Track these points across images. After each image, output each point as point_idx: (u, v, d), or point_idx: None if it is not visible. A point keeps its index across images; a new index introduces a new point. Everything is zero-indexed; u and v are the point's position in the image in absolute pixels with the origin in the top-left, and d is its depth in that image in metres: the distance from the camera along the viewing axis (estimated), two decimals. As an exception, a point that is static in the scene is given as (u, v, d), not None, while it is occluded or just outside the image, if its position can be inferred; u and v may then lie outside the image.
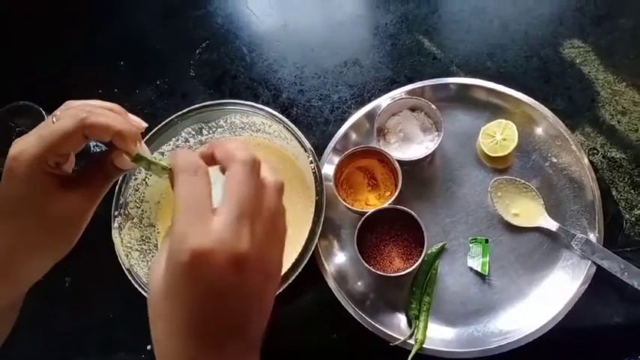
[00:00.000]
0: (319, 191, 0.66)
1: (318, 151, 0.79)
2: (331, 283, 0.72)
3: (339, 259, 0.75)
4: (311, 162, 0.67)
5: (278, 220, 0.39)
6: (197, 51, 0.90)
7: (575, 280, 0.68)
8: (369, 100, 0.81)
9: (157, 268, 0.37)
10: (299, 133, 0.68)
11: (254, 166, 0.37)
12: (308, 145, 0.68)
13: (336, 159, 0.75)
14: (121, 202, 0.69)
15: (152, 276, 0.37)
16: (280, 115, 0.69)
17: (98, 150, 0.80)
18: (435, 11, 0.86)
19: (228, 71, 0.88)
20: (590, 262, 0.68)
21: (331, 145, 0.79)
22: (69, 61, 0.93)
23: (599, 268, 0.68)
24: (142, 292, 0.65)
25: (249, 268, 0.35)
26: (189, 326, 0.35)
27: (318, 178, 0.66)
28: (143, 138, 0.71)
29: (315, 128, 0.83)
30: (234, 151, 0.37)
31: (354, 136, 0.80)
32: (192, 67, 0.89)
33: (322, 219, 0.65)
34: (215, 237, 0.34)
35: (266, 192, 0.38)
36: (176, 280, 0.34)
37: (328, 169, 0.76)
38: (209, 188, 0.36)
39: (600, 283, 0.68)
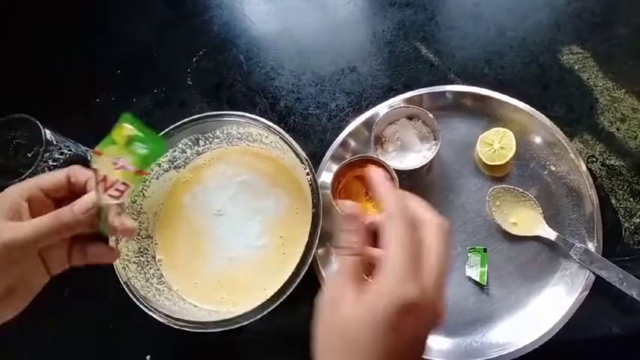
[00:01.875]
0: (315, 203, 0.65)
1: (316, 159, 0.79)
2: (329, 293, 0.72)
3: (336, 267, 0.75)
4: (307, 174, 0.67)
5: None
6: (194, 59, 0.90)
7: (574, 290, 0.67)
8: (367, 108, 0.81)
9: (348, 300, 0.39)
10: (295, 144, 0.68)
11: (447, 227, 0.43)
12: (304, 156, 0.68)
13: (335, 167, 0.75)
14: (117, 214, 0.69)
15: (342, 305, 0.40)
16: (276, 127, 0.69)
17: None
18: (432, 18, 0.86)
19: (225, 79, 0.88)
20: (588, 271, 0.67)
21: (329, 153, 0.79)
22: (66, 70, 0.93)
23: (598, 278, 0.67)
24: (139, 305, 0.65)
25: (433, 318, 0.40)
26: None
27: (315, 190, 0.66)
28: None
29: (313, 136, 0.82)
30: (425, 212, 0.43)
31: (352, 144, 0.80)
32: (189, 75, 0.89)
33: (319, 231, 0.65)
34: (424, 293, 0.38)
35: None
36: (385, 322, 0.37)
37: (326, 177, 0.76)
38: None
39: (599, 293, 0.67)
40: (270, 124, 0.69)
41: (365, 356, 0.38)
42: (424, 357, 0.42)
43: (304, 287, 0.64)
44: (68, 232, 0.48)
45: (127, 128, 0.44)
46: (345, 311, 0.39)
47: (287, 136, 0.68)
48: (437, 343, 0.70)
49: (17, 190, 0.49)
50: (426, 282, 0.39)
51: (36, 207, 0.50)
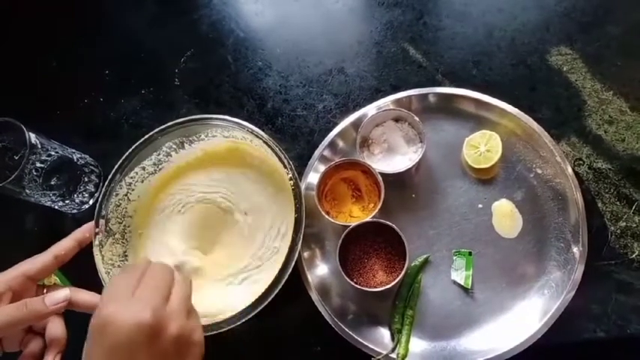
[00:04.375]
0: (298, 208, 0.65)
1: (303, 160, 0.79)
2: (314, 296, 0.72)
3: (321, 270, 0.75)
4: (290, 179, 0.66)
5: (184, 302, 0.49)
6: (182, 59, 0.89)
7: (558, 294, 0.67)
8: (354, 110, 0.81)
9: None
10: (278, 149, 0.67)
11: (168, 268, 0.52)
12: (287, 160, 0.67)
13: (322, 168, 0.74)
14: (101, 219, 0.69)
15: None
16: (260, 131, 0.69)
17: (82, 162, 0.80)
18: (420, 18, 0.85)
19: (213, 80, 0.87)
20: (573, 275, 0.67)
21: (316, 154, 0.78)
22: (54, 71, 0.93)
23: (582, 282, 0.67)
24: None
25: (153, 333, 0.44)
26: None
27: (298, 195, 0.66)
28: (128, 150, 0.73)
29: (300, 138, 0.82)
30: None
31: (340, 144, 0.80)
32: (177, 75, 0.89)
33: (301, 235, 0.65)
34: (121, 305, 0.44)
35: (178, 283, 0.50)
36: (89, 342, 0.45)
37: (313, 178, 0.76)
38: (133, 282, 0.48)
39: (583, 296, 0.67)
40: (254, 128, 0.69)
41: None
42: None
43: (289, 291, 0.64)
44: (36, 321, 0.58)
45: (54, 276, 0.70)
46: None
47: (271, 141, 0.68)
48: (421, 346, 0.70)
49: (4, 279, 0.58)
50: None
51: (18, 291, 0.59)
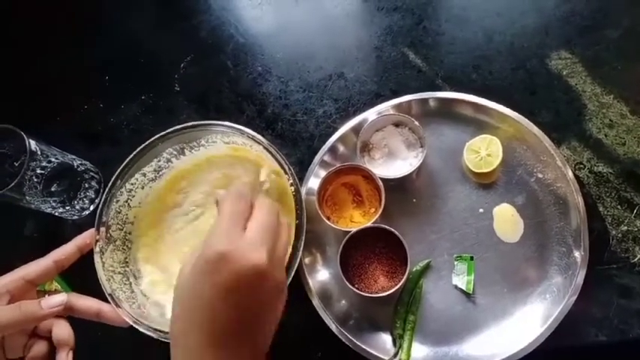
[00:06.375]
0: (299, 214, 0.65)
1: (304, 165, 0.79)
2: (315, 301, 0.72)
3: (322, 275, 0.75)
4: (291, 184, 0.66)
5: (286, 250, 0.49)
6: (181, 65, 0.89)
7: (560, 299, 0.67)
8: (354, 115, 0.81)
9: (186, 268, 0.45)
10: (278, 156, 0.67)
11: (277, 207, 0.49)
12: (288, 166, 0.67)
13: (322, 173, 0.74)
14: (102, 225, 0.69)
15: (180, 275, 0.46)
16: (260, 137, 0.69)
17: (83, 168, 0.80)
18: (419, 23, 0.85)
19: (213, 86, 0.87)
20: (574, 280, 0.67)
21: (317, 159, 0.78)
22: (53, 77, 0.93)
23: (584, 287, 0.67)
24: (125, 318, 0.65)
25: (264, 277, 0.43)
26: (202, 323, 0.44)
27: (298, 201, 0.66)
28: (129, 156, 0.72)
29: (301, 143, 0.82)
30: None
31: (340, 149, 0.79)
32: (177, 81, 0.89)
33: (303, 242, 0.65)
34: (236, 242, 0.43)
35: (283, 228, 0.49)
36: (199, 275, 0.43)
37: (314, 183, 0.76)
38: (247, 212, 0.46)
39: (585, 301, 0.67)
40: (254, 134, 0.69)
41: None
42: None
43: (290, 296, 0.64)
44: (32, 323, 0.58)
45: (55, 282, 0.76)
46: None
47: (271, 146, 0.68)
48: (423, 352, 0.70)
49: (3, 282, 0.58)
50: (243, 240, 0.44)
51: (17, 295, 0.58)
